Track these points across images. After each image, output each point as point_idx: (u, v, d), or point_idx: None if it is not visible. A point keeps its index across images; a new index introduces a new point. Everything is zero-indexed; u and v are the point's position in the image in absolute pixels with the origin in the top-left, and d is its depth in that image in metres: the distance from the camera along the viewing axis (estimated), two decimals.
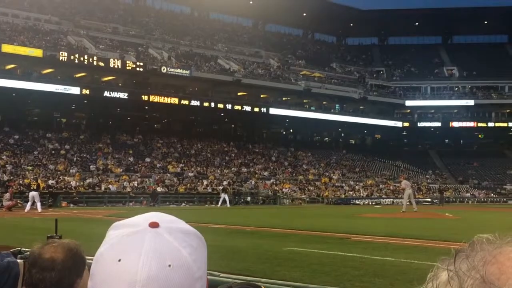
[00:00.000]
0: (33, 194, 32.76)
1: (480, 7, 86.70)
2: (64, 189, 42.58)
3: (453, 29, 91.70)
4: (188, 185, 50.57)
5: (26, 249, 3.63)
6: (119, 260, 1.04)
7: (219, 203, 45.16)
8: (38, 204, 32.31)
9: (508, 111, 78.72)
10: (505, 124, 77.74)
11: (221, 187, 48.98)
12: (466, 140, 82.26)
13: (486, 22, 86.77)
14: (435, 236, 16.84)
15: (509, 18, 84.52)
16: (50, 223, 6.30)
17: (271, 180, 57.41)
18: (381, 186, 63.68)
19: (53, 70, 53.00)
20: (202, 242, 1.15)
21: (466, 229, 19.75)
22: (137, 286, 1.00)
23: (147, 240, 1.05)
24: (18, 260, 2.47)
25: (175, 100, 57.16)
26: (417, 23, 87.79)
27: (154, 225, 1.08)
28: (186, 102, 57.98)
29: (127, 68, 54.63)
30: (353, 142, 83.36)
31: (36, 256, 2.01)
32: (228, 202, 45.02)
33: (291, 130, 78.35)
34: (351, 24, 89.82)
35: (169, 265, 1.03)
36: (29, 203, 32.62)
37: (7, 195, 35.31)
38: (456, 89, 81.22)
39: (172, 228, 1.09)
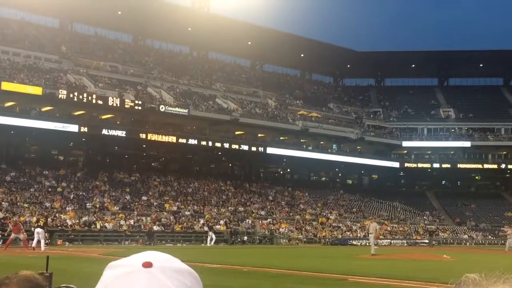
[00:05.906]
0: (38, 230, 31.88)
1: (475, 50, 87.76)
2: (59, 227, 42.29)
3: (449, 71, 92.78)
4: (185, 224, 50.30)
5: None
6: None
7: (212, 242, 45.52)
8: (42, 242, 31.39)
9: (504, 152, 78.91)
10: (502, 166, 77.81)
11: (206, 226, 49.43)
12: (463, 181, 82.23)
13: (481, 65, 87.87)
14: (432, 278, 16.73)
15: (504, 62, 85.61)
16: (43, 261, 6.27)
17: (268, 220, 57.12)
18: (378, 226, 63.30)
19: (52, 107, 53.22)
20: (197, 281, 1.14)
21: (463, 271, 19.59)
22: None
23: (140, 281, 1.06)
24: None
25: (172, 139, 57.30)
26: (413, 65, 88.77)
27: (147, 265, 1.09)
28: (183, 140, 58.12)
29: (126, 106, 54.90)
30: (350, 182, 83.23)
31: None
32: (210, 240, 45.79)
33: (289, 170, 78.32)
34: (348, 65, 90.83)
35: None
36: (35, 240, 31.59)
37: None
38: (453, 130, 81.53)
39: (165, 268, 1.10)
